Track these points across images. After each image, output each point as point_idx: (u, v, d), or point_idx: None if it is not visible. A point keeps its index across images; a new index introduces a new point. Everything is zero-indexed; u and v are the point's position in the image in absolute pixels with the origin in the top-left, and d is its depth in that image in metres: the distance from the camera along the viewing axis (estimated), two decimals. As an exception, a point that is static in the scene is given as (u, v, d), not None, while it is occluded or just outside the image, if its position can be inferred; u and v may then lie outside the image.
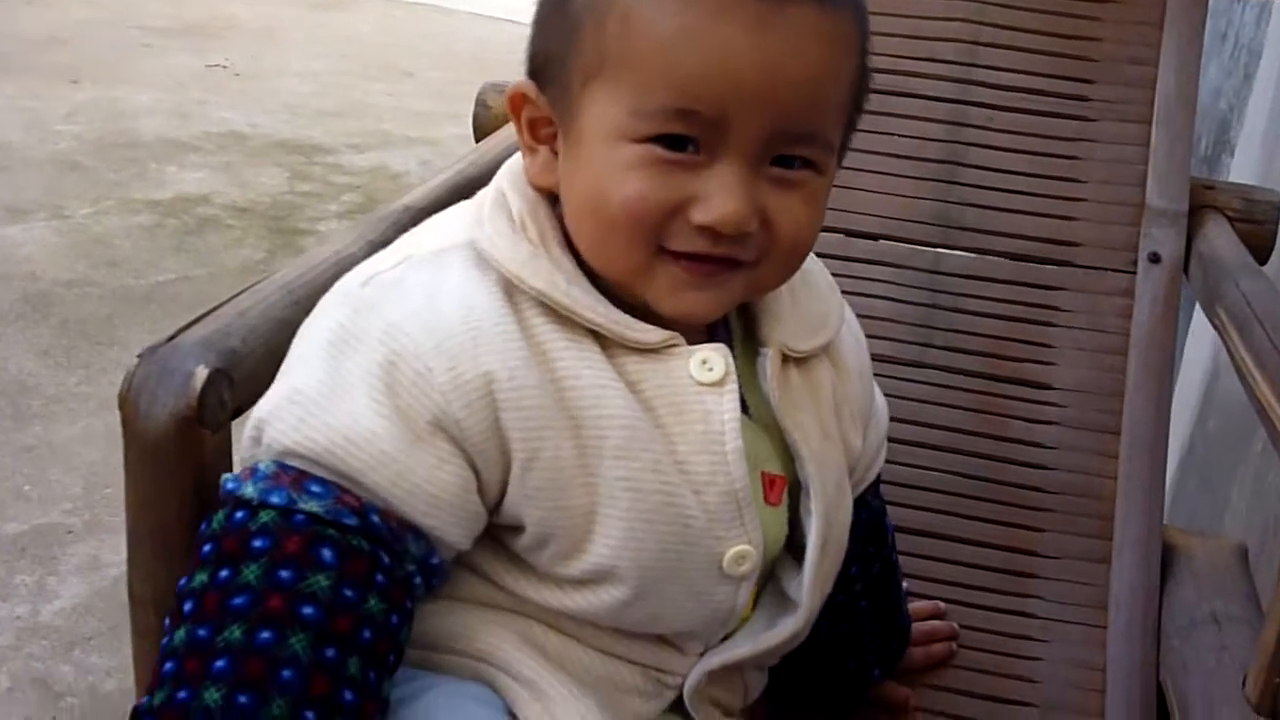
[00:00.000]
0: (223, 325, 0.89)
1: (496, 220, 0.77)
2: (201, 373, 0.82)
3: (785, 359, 0.83)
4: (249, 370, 0.87)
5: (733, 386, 0.77)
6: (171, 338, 0.86)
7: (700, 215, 0.72)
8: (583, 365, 0.74)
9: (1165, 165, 1.37)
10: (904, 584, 1.11)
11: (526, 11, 0.81)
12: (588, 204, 0.75)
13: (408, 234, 0.83)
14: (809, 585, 0.84)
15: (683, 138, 0.72)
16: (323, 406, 0.71)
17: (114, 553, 2.04)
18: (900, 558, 1.10)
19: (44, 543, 2.10)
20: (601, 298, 0.76)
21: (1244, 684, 1.06)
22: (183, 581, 0.71)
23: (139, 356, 0.85)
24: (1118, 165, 1.39)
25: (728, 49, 0.70)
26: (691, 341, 0.78)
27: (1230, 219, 1.38)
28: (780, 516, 0.83)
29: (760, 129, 0.72)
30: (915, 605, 1.16)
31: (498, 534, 0.78)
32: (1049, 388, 1.31)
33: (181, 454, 0.82)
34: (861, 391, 0.92)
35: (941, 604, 1.19)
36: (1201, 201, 1.39)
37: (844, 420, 0.88)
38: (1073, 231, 1.37)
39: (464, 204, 0.83)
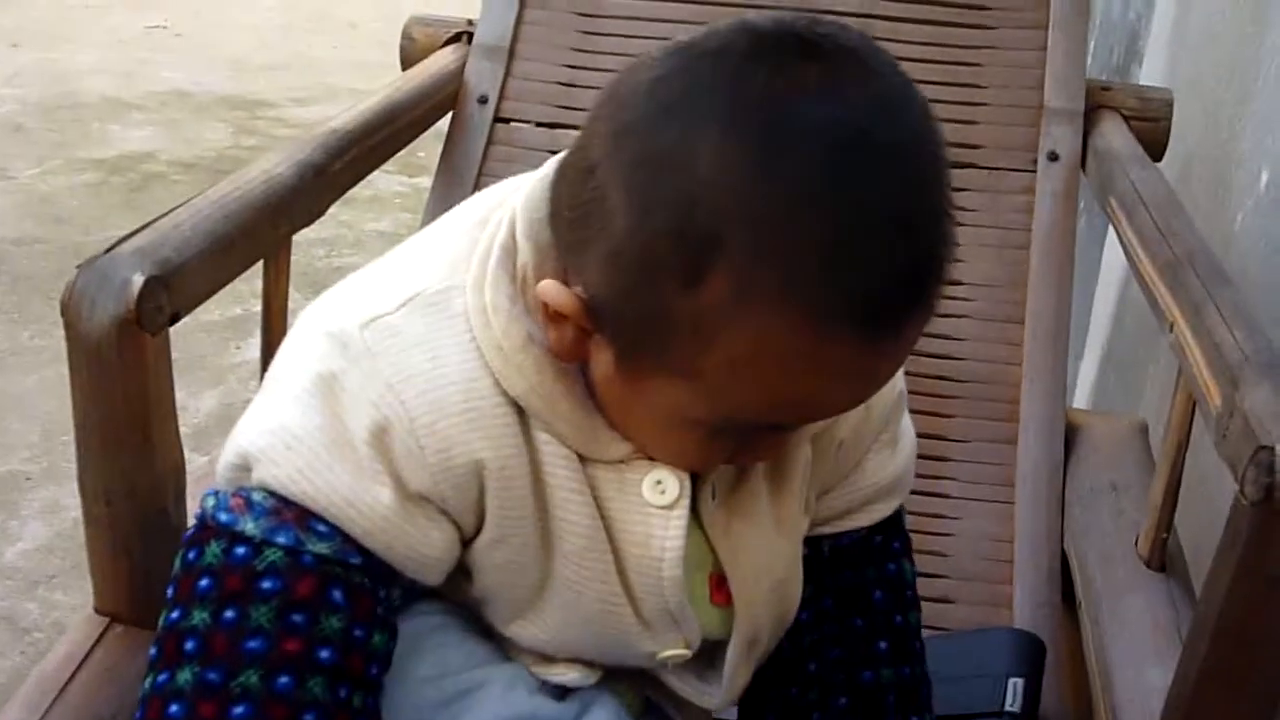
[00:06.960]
0: (157, 237, 0.94)
1: (499, 284, 0.70)
2: (138, 280, 0.87)
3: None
4: (185, 277, 0.93)
5: (681, 510, 0.75)
6: (109, 249, 0.91)
7: (748, 460, 0.75)
8: (559, 465, 0.73)
9: (1062, 67, 1.43)
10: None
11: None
12: (635, 428, 0.72)
13: (411, 247, 0.78)
14: (728, 678, 0.82)
15: None
16: (324, 461, 0.69)
17: (73, 496, 2.05)
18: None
19: (4, 489, 2.15)
20: (582, 398, 0.72)
21: (1136, 542, 1.14)
22: (174, 615, 0.69)
23: (78, 267, 0.89)
24: (1017, 70, 1.45)
25: (834, 396, 0.66)
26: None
27: (1126, 117, 1.44)
28: (728, 614, 0.81)
29: None
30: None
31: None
32: (957, 283, 1.37)
33: (123, 355, 0.87)
34: (841, 462, 0.85)
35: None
36: (1099, 102, 1.45)
37: (804, 496, 0.83)
38: (975, 134, 1.43)
39: (473, 212, 0.76)
